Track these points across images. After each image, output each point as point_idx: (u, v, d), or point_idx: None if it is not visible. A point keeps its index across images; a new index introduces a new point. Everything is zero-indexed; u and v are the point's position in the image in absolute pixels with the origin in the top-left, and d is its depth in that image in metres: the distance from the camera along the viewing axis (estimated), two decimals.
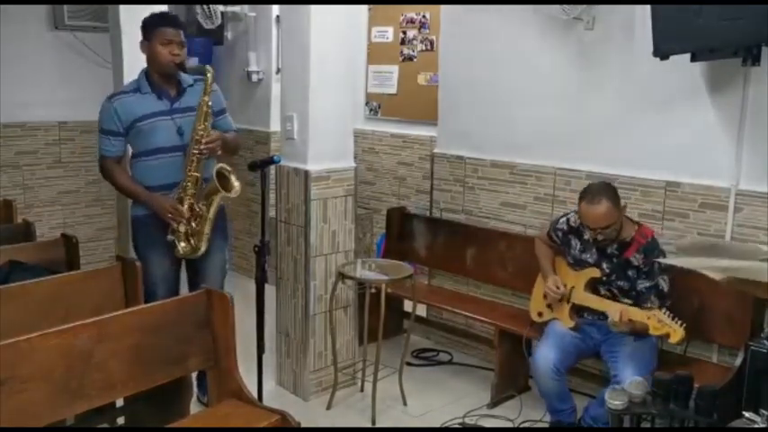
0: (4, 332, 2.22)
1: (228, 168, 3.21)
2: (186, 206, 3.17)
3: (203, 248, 3.25)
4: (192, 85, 3.27)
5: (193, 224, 3.21)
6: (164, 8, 4.28)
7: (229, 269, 5.71)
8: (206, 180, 3.20)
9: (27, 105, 5.35)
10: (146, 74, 3.26)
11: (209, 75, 3.17)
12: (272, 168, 3.72)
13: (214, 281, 3.32)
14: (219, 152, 3.25)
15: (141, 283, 3.04)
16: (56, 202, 5.68)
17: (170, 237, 3.21)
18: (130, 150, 3.34)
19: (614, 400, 1.99)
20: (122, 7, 4.37)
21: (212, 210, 3.22)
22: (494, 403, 3.62)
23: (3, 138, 5.33)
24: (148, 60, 3.24)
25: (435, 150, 4.44)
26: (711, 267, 1.77)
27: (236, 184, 3.21)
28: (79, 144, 5.66)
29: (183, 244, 3.22)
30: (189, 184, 3.17)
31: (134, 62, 4.22)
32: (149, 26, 3.20)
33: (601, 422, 2.99)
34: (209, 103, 3.17)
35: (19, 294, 2.74)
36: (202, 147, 3.14)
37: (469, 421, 3.46)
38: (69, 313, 2.67)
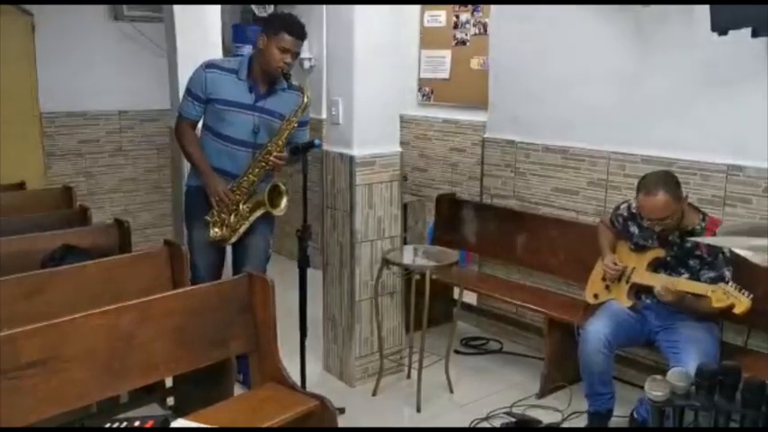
0: (55, 313, 2.28)
1: (284, 187, 3.27)
2: (234, 200, 3.25)
3: (233, 240, 3.32)
4: (284, 90, 3.29)
5: (232, 218, 3.27)
6: None
7: (283, 256, 5.82)
8: (259, 188, 3.27)
9: (89, 95, 5.54)
10: (249, 60, 3.26)
11: (306, 100, 3.21)
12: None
13: (257, 263, 3.35)
14: (281, 170, 3.32)
15: (188, 266, 3.11)
16: (117, 190, 5.86)
17: (207, 217, 3.29)
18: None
19: (654, 391, 1.88)
20: None
21: (253, 215, 3.28)
22: (543, 393, 3.53)
23: (66, 126, 5.54)
24: (259, 54, 3.22)
25: (486, 135, 4.34)
26: (755, 248, 1.65)
27: (284, 204, 3.27)
28: (139, 133, 5.82)
29: (216, 229, 3.29)
30: (244, 183, 3.23)
31: (188, 51, 4.29)
32: (275, 25, 3.17)
33: None
34: (295, 124, 3.22)
35: (70, 277, 2.83)
36: (270, 159, 3.19)
37: (517, 411, 3.39)
38: (118, 295, 2.73)
